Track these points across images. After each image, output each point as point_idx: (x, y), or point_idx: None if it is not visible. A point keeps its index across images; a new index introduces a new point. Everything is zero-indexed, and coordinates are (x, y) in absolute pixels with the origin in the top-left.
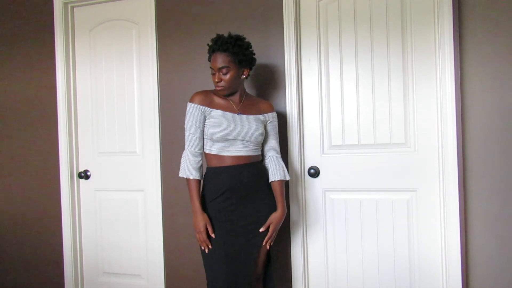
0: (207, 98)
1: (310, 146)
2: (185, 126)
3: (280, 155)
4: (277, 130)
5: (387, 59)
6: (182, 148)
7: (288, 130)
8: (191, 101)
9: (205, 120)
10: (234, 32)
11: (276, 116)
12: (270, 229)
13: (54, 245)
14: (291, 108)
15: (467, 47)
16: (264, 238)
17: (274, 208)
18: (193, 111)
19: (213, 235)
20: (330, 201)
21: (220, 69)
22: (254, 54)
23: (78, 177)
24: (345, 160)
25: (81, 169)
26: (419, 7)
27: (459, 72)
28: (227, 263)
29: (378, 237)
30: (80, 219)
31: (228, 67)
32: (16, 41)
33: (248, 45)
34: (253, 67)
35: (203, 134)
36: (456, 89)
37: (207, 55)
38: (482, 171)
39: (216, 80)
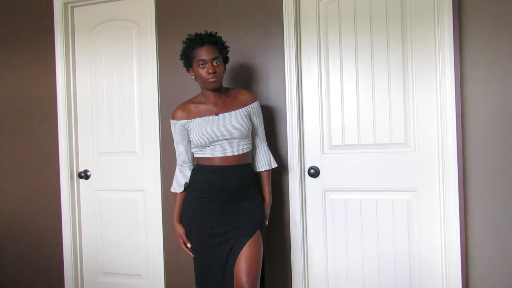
0: (185, 111)
1: (310, 146)
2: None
3: (266, 143)
4: (262, 118)
5: (387, 59)
6: None
7: (288, 130)
8: (172, 117)
9: (187, 132)
10: (234, 32)
11: (259, 105)
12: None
13: (54, 245)
14: (291, 108)
15: (467, 47)
16: (248, 240)
17: (258, 213)
18: (174, 127)
19: (188, 245)
20: (330, 201)
21: (213, 60)
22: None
23: (78, 177)
24: (345, 160)
25: (81, 169)
26: (419, 7)
27: (459, 72)
28: (204, 270)
29: (378, 237)
30: (80, 219)
31: (219, 57)
32: (16, 41)
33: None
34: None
35: (189, 147)
36: (456, 89)
37: None
38: (482, 171)
39: (211, 70)
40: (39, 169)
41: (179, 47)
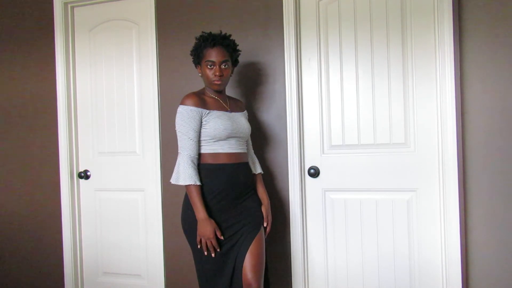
0: (200, 100)
1: (310, 146)
2: (180, 130)
3: None
4: None
5: (387, 59)
6: None
7: (288, 130)
8: (186, 104)
9: (201, 122)
10: (234, 32)
11: None
12: (269, 219)
13: (54, 245)
14: (291, 108)
15: (467, 47)
16: (254, 237)
17: (260, 210)
18: (190, 113)
19: (222, 238)
20: (330, 201)
21: (222, 63)
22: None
23: (78, 177)
24: (345, 160)
25: (81, 169)
26: (419, 7)
27: (459, 72)
28: (211, 271)
29: (378, 237)
30: (80, 219)
31: (229, 61)
32: (16, 41)
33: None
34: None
35: (199, 137)
36: (456, 89)
37: None
38: (482, 171)
39: (218, 73)
40: (39, 169)
41: (179, 47)
